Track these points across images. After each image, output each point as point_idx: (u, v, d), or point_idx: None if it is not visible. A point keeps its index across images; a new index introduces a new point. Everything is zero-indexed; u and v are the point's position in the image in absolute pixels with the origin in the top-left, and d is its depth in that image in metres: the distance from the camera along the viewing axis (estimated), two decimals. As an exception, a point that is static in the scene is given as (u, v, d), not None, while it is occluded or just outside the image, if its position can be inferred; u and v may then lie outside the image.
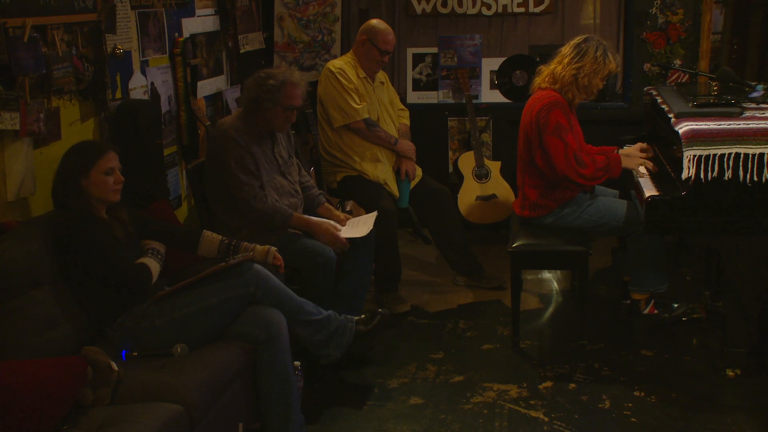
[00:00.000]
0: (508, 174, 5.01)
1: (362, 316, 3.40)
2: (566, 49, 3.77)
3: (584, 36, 3.78)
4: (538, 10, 5.43)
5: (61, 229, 2.82)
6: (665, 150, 3.81)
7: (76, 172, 2.85)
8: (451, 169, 5.43)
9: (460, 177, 5.10)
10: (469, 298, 4.51)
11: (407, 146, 4.45)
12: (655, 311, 3.87)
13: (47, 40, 3.06)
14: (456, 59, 5.50)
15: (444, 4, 5.50)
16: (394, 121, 4.53)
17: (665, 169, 3.68)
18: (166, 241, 3.15)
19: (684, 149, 3.24)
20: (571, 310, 4.31)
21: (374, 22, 4.39)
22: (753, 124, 3.23)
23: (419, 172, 4.54)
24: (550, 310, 4.35)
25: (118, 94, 3.64)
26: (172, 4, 4.14)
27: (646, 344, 3.82)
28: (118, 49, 3.58)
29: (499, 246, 4.94)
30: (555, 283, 4.68)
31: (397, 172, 4.43)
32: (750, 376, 3.46)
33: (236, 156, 3.53)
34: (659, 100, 3.93)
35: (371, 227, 3.77)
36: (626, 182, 3.94)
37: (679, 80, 5.09)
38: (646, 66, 5.21)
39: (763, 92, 3.71)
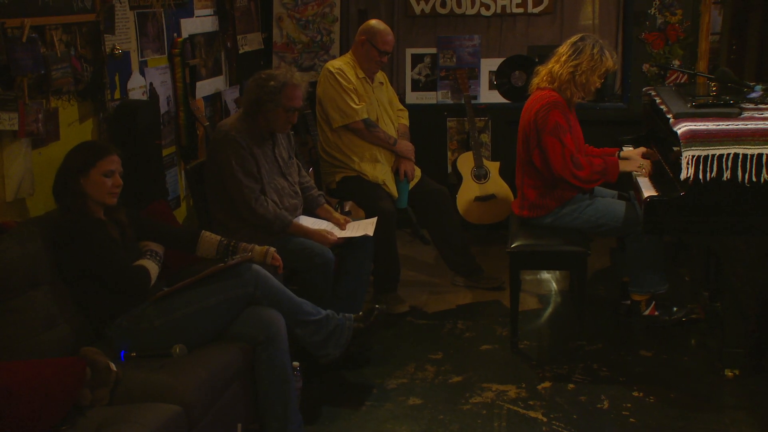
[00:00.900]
0: (507, 174, 5.01)
1: (360, 314, 3.39)
2: (563, 48, 3.78)
3: (581, 34, 3.79)
4: (536, 10, 5.43)
5: (59, 231, 2.82)
6: (664, 150, 3.81)
7: (76, 170, 2.86)
8: (449, 170, 5.43)
9: (459, 177, 5.10)
10: (467, 298, 4.51)
11: (406, 147, 4.45)
12: (656, 313, 3.87)
13: (46, 40, 3.07)
14: (455, 60, 5.50)
15: (443, 5, 5.51)
16: (393, 121, 4.53)
17: (664, 169, 3.68)
18: (164, 242, 3.15)
19: (683, 150, 3.25)
20: (569, 310, 4.31)
21: (373, 22, 4.39)
22: (751, 125, 3.24)
23: (418, 172, 4.54)
24: (549, 310, 4.35)
25: (117, 95, 3.65)
26: (171, 5, 4.14)
27: (645, 345, 3.82)
28: (116, 50, 3.58)
29: (498, 246, 4.94)
30: (554, 284, 4.68)
31: (396, 173, 4.43)
32: (748, 377, 3.46)
33: (238, 158, 3.53)
34: (658, 101, 3.93)
35: (371, 234, 3.78)
36: (625, 183, 3.95)
37: (677, 81, 5.09)
38: (645, 66, 5.21)
39: (761, 93, 3.71)
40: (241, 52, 5.10)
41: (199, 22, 4.53)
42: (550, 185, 3.79)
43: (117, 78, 3.64)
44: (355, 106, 4.25)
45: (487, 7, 5.46)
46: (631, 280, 3.87)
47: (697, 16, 5.06)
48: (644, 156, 3.89)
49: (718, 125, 3.25)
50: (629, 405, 3.31)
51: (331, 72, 4.28)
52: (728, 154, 3.20)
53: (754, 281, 3.46)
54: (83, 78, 3.33)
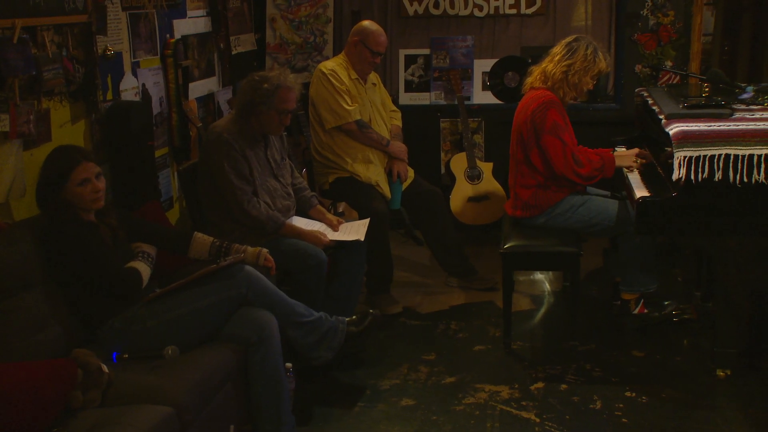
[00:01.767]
0: (500, 175, 5.01)
1: (353, 317, 3.39)
2: (557, 48, 3.80)
3: (576, 35, 3.82)
4: (529, 11, 5.44)
5: (48, 233, 2.80)
6: (656, 151, 3.82)
7: (53, 183, 2.81)
8: (443, 171, 5.43)
9: (452, 178, 5.10)
10: (461, 299, 4.51)
11: (399, 148, 4.45)
12: (645, 310, 3.88)
13: (37, 41, 3.06)
14: (448, 60, 5.50)
15: (436, 6, 5.51)
16: (386, 122, 4.53)
17: (656, 170, 3.69)
18: (156, 243, 3.15)
19: (674, 150, 3.26)
20: (562, 310, 4.32)
21: (366, 23, 4.39)
22: (743, 126, 3.25)
23: (411, 173, 4.54)
24: (542, 311, 4.36)
25: (109, 96, 3.64)
26: (164, 5, 4.14)
27: (638, 345, 3.82)
28: (108, 51, 3.58)
29: (491, 247, 4.94)
30: (547, 284, 4.69)
31: (389, 174, 4.43)
32: (740, 377, 3.46)
33: (230, 160, 3.52)
34: (650, 102, 3.94)
35: (362, 238, 3.78)
36: (617, 182, 3.96)
37: (670, 82, 5.11)
38: (638, 67, 5.23)
39: (752, 94, 3.73)
40: (234, 53, 5.09)
41: (192, 23, 4.53)
42: (543, 185, 3.79)
43: (109, 79, 3.63)
44: (347, 107, 4.25)
45: (480, 8, 5.47)
46: (623, 279, 3.89)
47: (690, 17, 5.07)
48: (638, 157, 3.91)
49: (710, 126, 3.26)
50: (622, 405, 3.31)
51: (323, 73, 4.27)
52: (720, 155, 3.21)
53: (746, 282, 3.47)
54: (75, 79, 3.32)
